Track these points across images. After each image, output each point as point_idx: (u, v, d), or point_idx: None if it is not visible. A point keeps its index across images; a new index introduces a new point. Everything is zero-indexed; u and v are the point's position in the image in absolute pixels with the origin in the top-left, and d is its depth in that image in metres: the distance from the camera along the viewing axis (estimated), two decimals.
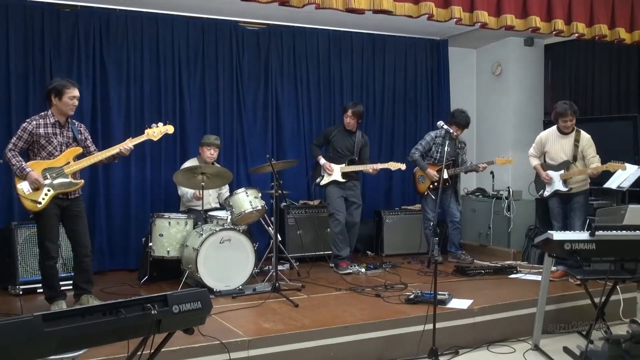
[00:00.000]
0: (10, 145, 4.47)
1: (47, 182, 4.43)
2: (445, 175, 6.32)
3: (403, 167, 6.31)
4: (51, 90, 4.52)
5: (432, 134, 6.63)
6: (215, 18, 6.71)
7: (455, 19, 5.20)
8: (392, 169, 6.31)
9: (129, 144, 4.72)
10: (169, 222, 5.49)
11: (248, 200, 5.48)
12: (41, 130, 4.48)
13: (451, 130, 5.58)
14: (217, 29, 6.74)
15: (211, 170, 5.54)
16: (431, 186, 6.43)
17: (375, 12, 4.90)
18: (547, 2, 5.55)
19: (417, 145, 6.62)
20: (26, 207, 4.46)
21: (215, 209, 6.01)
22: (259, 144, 6.96)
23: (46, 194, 4.43)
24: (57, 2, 6.04)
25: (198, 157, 6.10)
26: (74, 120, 4.73)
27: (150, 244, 5.45)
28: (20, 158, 4.44)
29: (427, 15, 5.06)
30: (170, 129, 4.92)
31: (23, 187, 4.40)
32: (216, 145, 6.05)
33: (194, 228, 5.48)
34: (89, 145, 4.78)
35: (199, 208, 5.65)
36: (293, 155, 7.01)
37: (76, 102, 4.57)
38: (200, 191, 5.54)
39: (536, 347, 4.40)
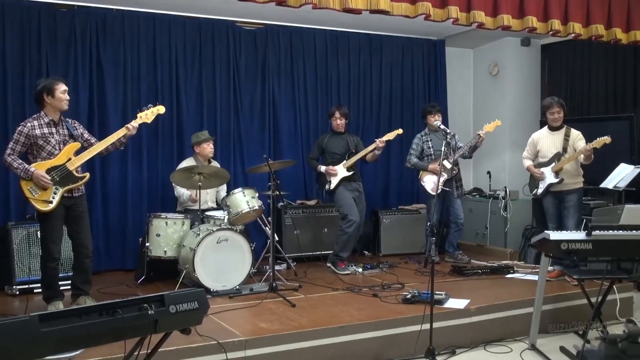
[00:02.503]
0: (8, 151, 4.45)
1: (54, 180, 4.42)
2: (448, 165, 6.34)
3: (400, 131, 6.38)
4: (42, 91, 4.51)
5: (418, 135, 6.75)
6: (212, 18, 6.71)
7: (452, 19, 5.20)
8: (391, 138, 6.34)
9: (134, 123, 4.72)
10: (166, 222, 5.48)
11: (245, 200, 5.48)
12: (37, 132, 4.47)
13: (440, 125, 5.61)
14: (214, 28, 6.73)
15: (208, 170, 5.54)
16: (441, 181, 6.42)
17: (372, 12, 4.90)
18: (544, 3, 5.55)
19: (410, 151, 6.69)
20: (37, 208, 4.43)
21: (213, 208, 6.01)
22: (256, 144, 6.96)
23: (55, 193, 4.43)
24: (54, 1, 6.03)
25: (194, 156, 6.10)
26: (67, 118, 4.72)
27: (147, 244, 5.45)
28: (21, 161, 4.43)
29: (424, 16, 5.06)
30: (161, 109, 4.92)
31: (31, 189, 4.38)
32: (212, 138, 6.08)
33: (191, 228, 5.49)
34: (88, 138, 4.77)
35: (196, 208, 5.65)
36: (290, 155, 7.00)
37: (68, 96, 4.59)
38: (197, 193, 5.54)
39: (533, 347, 4.41)
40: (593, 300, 4.45)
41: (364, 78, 7.63)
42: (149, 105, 4.92)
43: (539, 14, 5.54)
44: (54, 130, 4.55)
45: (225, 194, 5.86)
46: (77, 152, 4.60)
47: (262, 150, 6.62)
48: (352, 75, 7.54)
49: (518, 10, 5.48)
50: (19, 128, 4.49)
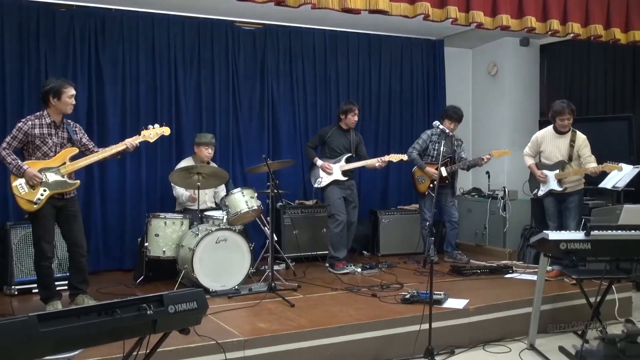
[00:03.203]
0: (4, 144, 4.45)
1: (44, 182, 4.41)
2: (444, 173, 6.34)
3: (405, 157, 6.31)
4: (49, 92, 4.49)
5: (428, 132, 6.66)
6: (211, 18, 6.71)
7: (451, 19, 5.20)
8: (394, 160, 6.28)
9: (136, 142, 4.70)
10: (165, 222, 5.48)
11: (244, 200, 5.47)
12: (36, 131, 4.46)
13: (446, 130, 5.59)
14: (213, 28, 6.73)
15: (207, 170, 5.53)
16: (431, 185, 6.42)
17: (371, 12, 4.90)
18: (543, 3, 5.55)
19: (414, 144, 6.63)
20: (22, 207, 4.45)
21: (212, 208, 6.01)
22: (255, 144, 6.96)
23: (42, 194, 4.41)
24: (53, 1, 6.02)
25: (193, 157, 6.09)
26: (69, 121, 4.71)
27: (146, 244, 5.45)
28: (15, 156, 4.42)
29: (422, 16, 5.06)
30: (166, 130, 4.87)
31: (19, 186, 4.38)
32: (212, 144, 6.05)
33: (189, 228, 5.48)
34: (87, 143, 4.75)
35: (195, 208, 5.64)
36: (289, 155, 7.00)
37: (74, 101, 4.57)
38: (196, 192, 5.54)
39: (532, 347, 4.41)
40: (592, 300, 4.45)
41: (363, 78, 7.63)
42: (155, 125, 4.86)
43: (538, 14, 5.54)
44: (53, 132, 4.54)
45: (224, 193, 5.86)
46: (74, 158, 4.60)
47: (261, 150, 6.60)
48: (351, 75, 7.54)
49: (517, 10, 5.47)
50: (19, 124, 4.48)
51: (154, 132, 4.81)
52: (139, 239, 5.76)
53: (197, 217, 5.53)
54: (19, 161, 4.41)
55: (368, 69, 7.64)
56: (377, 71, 7.69)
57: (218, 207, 6.00)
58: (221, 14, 6.66)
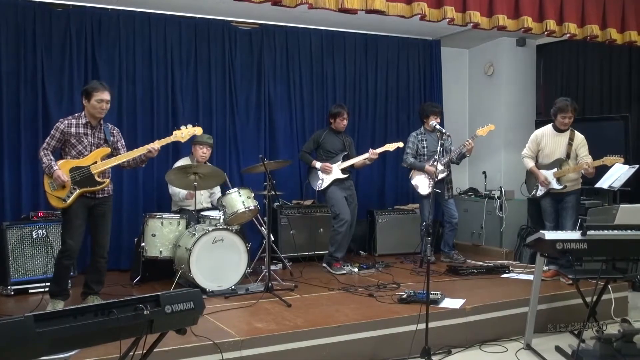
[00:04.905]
0: (44, 145, 4.59)
1: (74, 180, 4.50)
2: (440, 167, 6.33)
3: (401, 144, 6.39)
4: (82, 92, 4.64)
5: (413, 134, 6.67)
6: (207, 18, 6.70)
7: (447, 19, 5.21)
8: (391, 149, 6.33)
9: (157, 145, 4.73)
10: (162, 222, 5.47)
11: (241, 200, 5.46)
12: (72, 130, 4.57)
13: (437, 126, 5.57)
14: (209, 28, 6.73)
15: (204, 170, 5.52)
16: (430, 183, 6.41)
17: (368, 12, 4.91)
18: (539, 3, 5.57)
19: (406, 149, 6.62)
20: (52, 203, 4.58)
21: (207, 208, 6.00)
22: (252, 144, 6.95)
23: (71, 192, 4.51)
24: (49, 1, 6.02)
25: (190, 156, 6.09)
26: (108, 123, 4.79)
27: (143, 244, 5.44)
28: (51, 157, 4.54)
29: (419, 16, 5.07)
30: (198, 130, 4.94)
31: (50, 183, 4.51)
32: (209, 144, 6.04)
33: (186, 228, 5.48)
34: (120, 148, 4.79)
35: (191, 208, 5.64)
36: (286, 155, 7.00)
37: (104, 106, 4.61)
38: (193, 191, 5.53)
39: (528, 347, 4.41)
40: (588, 299, 4.47)
41: (359, 78, 7.62)
42: (188, 125, 4.93)
43: (534, 14, 5.56)
44: (89, 132, 4.63)
45: (220, 194, 5.85)
46: (107, 158, 4.65)
47: (258, 150, 6.62)
48: (348, 75, 7.54)
49: (513, 11, 5.49)
50: (57, 124, 4.61)
51: (185, 132, 4.89)
52: (136, 239, 5.76)
53: (193, 217, 5.53)
54: (52, 162, 4.51)
55: (364, 69, 7.64)
56: (373, 71, 7.69)
57: (214, 207, 5.99)
58: (218, 14, 6.66)
